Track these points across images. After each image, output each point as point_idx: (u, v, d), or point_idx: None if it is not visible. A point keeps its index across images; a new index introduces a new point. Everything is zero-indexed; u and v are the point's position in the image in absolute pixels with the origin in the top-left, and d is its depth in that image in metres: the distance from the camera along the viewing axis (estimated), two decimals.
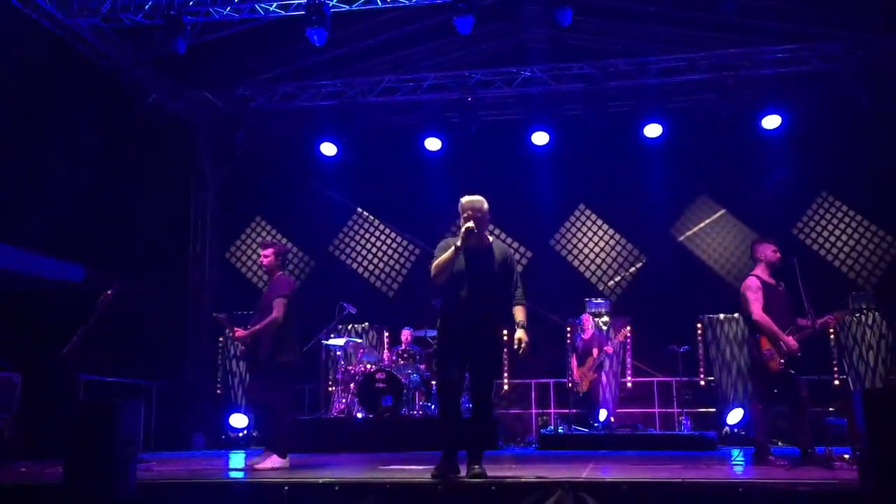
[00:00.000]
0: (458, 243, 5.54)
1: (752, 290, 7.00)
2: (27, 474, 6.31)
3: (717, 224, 14.06)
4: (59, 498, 4.91)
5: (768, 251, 7.10)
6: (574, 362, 11.69)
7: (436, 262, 5.66)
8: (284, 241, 15.27)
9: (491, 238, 5.85)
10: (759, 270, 7.09)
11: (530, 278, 14.06)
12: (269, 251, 7.26)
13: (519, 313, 5.64)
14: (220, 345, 14.08)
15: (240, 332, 7.00)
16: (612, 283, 14.18)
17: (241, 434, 13.07)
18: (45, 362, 9.17)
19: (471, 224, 5.56)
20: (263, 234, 15.40)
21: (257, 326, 6.95)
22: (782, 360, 6.79)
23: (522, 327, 5.58)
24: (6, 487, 5.44)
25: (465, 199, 5.72)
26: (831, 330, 11.78)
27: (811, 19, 12.41)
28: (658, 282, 13.99)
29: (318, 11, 10.60)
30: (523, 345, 5.53)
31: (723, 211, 14.01)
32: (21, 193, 10.55)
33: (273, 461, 6.69)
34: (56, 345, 7.10)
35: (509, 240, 14.30)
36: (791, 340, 6.76)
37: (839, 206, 13.82)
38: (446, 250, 5.62)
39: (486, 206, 5.68)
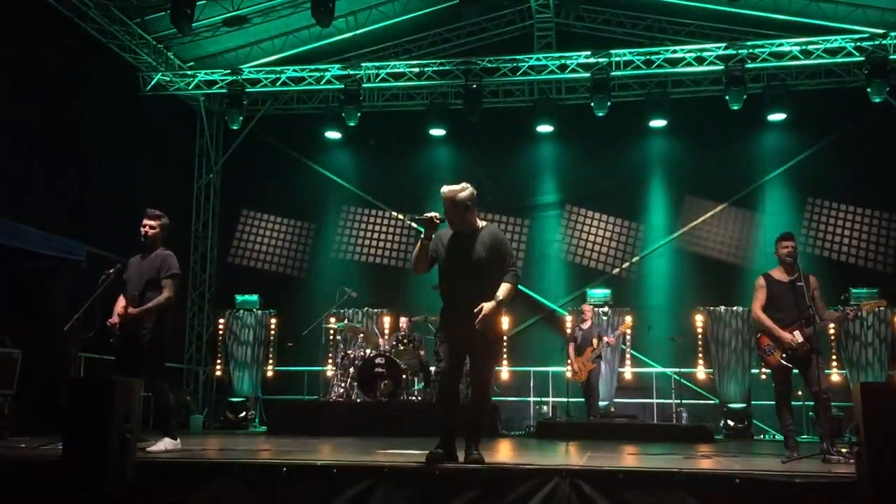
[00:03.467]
0: (424, 231, 5.62)
1: (755, 288, 7.13)
2: (26, 451, 6.33)
3: (719, 217, 14.01)
4: (58, 475, 4.92)
5: (778, 247, 7.11)
6: (572, 351, 11.69)
7: (412, 254, 5.75)
8: (287, 222, 15.24)
9: (483, 223, 5.82)
10: (776, 267, 7.12)
11: (531, 267, 14.14)
12: (157, 222, 6.80)
13: (501, 289, 5.49)
14: (221, 327, 14.12)
15: (133, 310, 6.52)
16: (613, 273, 14.15)
17: (240, 416, 13.12)
18: (45, 339, 9.18)
19: (432, 213, 5.61)
20: (266, 215, 15.32)
21: (150, 304, 6.52)
22: (783, 355, 6.80)
23: (495, 300, 5.42)
24: (5, 464, 5.47)
25: (442, 189, 5.73)
26: (831, 325, 11.75)
27: (819, 13, 12.38)
28: (658, 273, 13.99)
29: None
30: (481, 315, 5.34)
31: (724, 204, 13.97)
32: (25, 171, 10.53)
33: (166, 443, 6.44)
34: (57, 322, 7.07)
35: (508, 226, 14.29)
36: (787, 334, 6.76)
37: (834, 206, 13.72)
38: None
39: (460, 193, 5.62)
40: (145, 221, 6.80)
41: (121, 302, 6.73)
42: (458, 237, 5.68)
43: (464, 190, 5.66)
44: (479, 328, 5.38)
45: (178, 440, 6.62)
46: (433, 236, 5.67)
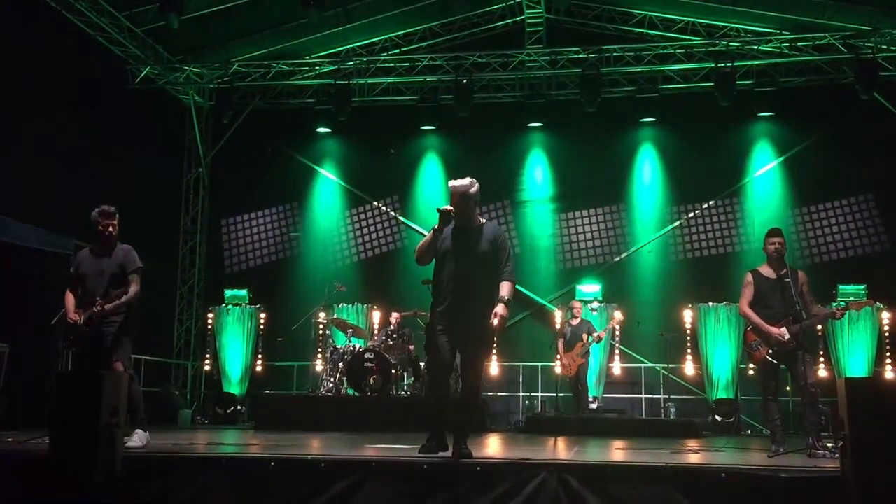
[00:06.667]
0: (437, 225, 5.67)
1: (743, 284, 7.15)
2: (13, 445, 6.30)
3: (709, 212, 14.04)
4: (45, 470, 4.90)
5: (766, 243, 7.12)
6: (561, 347, 11.72)
7: (419, 245, 5.80)
8: (275, 217, 15.18)
9: (483, 219, 5.89)
10: (764, 263, 7.13)
11: (520, 263, 14.13)
12: (116, 220, 6.67)
13: (503, 288, 5.59)
14: (210, 322, 14.10)
15: (105, 307, 6.44)
16: (602, 268, 14.16)
17: (228, 411, 13.09)
18: (33, 333, 9.14)
19: (446, 206, 5.67)
20: (253, 213, 15.23)
21: (123, 300, 6.50)
22: (769, 352, 6.83)
23: (503, 303, 5.53)
24: None
25: (450, 182, 5.82)
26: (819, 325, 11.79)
27: (807, 9, 12.42)
28: (648, 268, 14.03)
29: None
30: (497, 319, 5.46)
31: (714, 200, 14.00)
32: (10, 164, 10.46)
33: (141, 436, 6.42)
34: (44, 316, 7.04)
35: (498, 221, 14.28)
36: (774, 330, 6.79)
37: (824, 202, 13.74)
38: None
39: (471, 189, 5.72)
40: (107, 221, 6.64)
41: (71, 299, 6.64)
42: (462, 231, 5.73)
43: (473, 185, 5.75)
44: (498, 329, 5.52)
45: (147, 432, 6.61)
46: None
